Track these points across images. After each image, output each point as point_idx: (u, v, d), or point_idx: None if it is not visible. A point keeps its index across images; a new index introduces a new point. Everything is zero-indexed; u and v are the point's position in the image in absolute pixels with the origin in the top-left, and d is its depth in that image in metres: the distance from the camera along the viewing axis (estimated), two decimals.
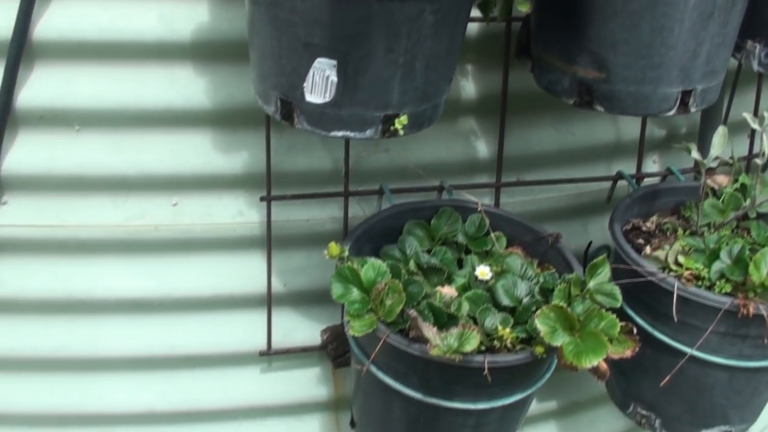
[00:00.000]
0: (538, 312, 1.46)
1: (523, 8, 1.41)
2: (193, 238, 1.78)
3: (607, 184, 2.00)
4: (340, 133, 1.42)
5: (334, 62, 1.35)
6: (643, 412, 1.83)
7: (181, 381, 1.88)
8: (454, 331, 1.45)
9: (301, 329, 1.89)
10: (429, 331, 1.44)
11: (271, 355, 1.87)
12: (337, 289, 1.51)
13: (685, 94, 1.53)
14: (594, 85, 1.52)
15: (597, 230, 2.06)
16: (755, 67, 1.74)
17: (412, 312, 1.46)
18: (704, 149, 2.02)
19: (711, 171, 1.95)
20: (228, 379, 1.89)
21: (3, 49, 1.60)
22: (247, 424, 1.94)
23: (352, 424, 1.79)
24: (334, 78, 1.36)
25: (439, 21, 1.36)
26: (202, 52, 1.67)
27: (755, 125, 1.63)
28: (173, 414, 1.90)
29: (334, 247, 1.55)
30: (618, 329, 1.46)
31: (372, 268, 1.52)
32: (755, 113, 2.10)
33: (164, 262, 1.79)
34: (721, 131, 1.73)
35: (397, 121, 1.42)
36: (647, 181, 2.00)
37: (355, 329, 1.47)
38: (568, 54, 1.54)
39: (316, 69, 1.36)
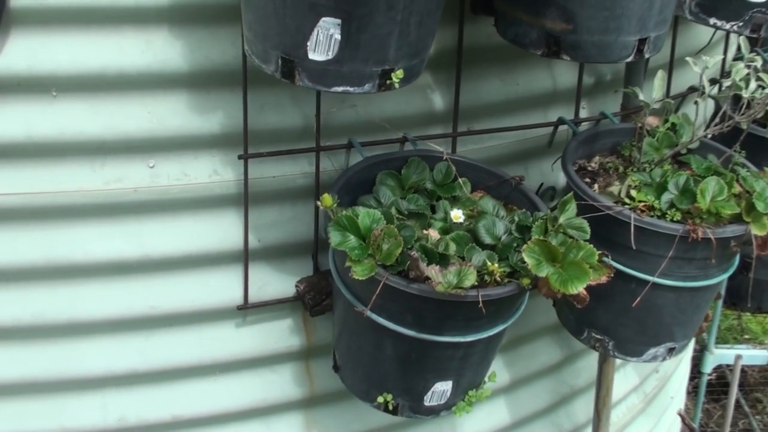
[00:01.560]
0: (524, 246, 1.59)
1: None
2: (170, 198, 1.82)
3: (546, 130, 2.14)
4: (340, 89, 1.50)
5: (339, 21, 1.43)
6: (597, 336, 2.00)
7: (160, 340, 1.92)
8: (452, 268, 1.57)
9: (274, 282, 1.96)
10: (432, 270, 1.55)
11: (247, 309, 1.94)
12: (335, 237, 1.59)
13: (641, 42, 1.68)
14: (561, 36, 1.65)
15: (536, 173, 2.20)
16: (687, 15, 1.91)
17: (414, 253, 1.56)
18: (628, 94, 2.19)
19: (637, 112, 2.13)
20: (205, 335, 1.95)
21: None
22: (223, 378, 2.01)
23: (335, 367, 1.89)
24: (337, 36, 1.44)
25: None
26: (179, 15, 1.71)
27: (696, 68, 1.79)
28: (153, 373, 1.94)
29: (327, 198, 1.63)
30: (596, 257, 1.61)
31: (367, 215, 1.61)
32: (671, 57, 2.29)
33: (142, 223, 1.83)
34: (660, 75, 1.89)
35: (393, 75, 1.51)
36: (583, 125, 2.15)
37: (358, 273, 1.56)
38: (536, 8, 1.66)
39: (321, 28, 1.43)
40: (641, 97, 1.85)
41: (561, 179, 2.19)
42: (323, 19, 1.42)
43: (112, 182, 1.78)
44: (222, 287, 1.92)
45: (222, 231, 1.88)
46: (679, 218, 1.79)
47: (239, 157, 1.81)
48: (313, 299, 1.93)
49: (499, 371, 2.19)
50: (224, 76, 1.76)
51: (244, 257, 1.89)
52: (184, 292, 1.90)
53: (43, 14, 1.64)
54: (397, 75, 1.51)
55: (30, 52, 1.66)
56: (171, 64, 1.73)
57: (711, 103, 2.47)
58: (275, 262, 1.95)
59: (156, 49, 1.72)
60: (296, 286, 1.95)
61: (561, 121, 2.10)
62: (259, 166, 1.85)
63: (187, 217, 1.86)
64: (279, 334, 2.02)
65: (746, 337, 5.15)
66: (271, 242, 1.93)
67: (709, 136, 1.94)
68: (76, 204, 1.78)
